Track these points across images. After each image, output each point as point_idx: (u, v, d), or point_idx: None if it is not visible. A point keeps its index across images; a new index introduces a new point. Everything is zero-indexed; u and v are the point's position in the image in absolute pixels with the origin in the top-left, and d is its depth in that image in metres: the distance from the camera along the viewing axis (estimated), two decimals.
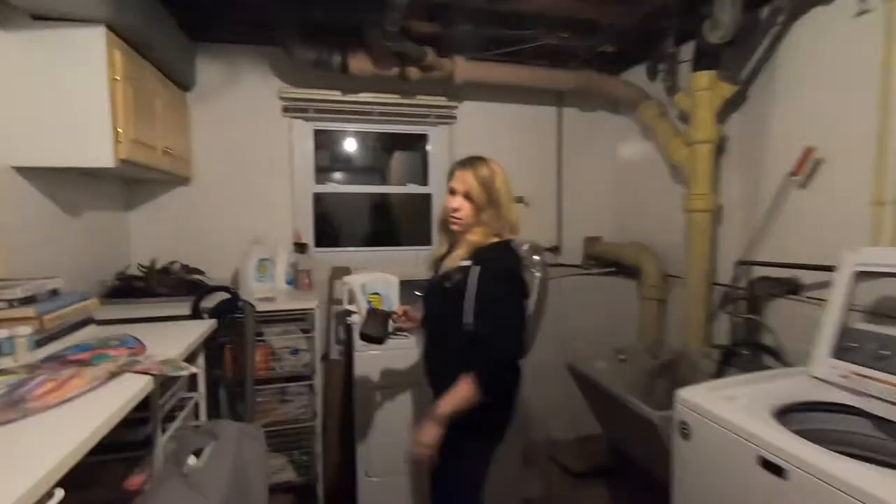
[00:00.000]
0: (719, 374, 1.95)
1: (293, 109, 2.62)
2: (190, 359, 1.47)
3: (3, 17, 1.53)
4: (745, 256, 2.08)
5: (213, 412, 1.90)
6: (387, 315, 1.60)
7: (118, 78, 1.66)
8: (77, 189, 1.97)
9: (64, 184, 1.85)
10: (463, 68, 2.44)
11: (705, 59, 2.16)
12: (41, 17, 1.57)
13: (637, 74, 2.80)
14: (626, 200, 3.07)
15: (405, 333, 1.95)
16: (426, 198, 2.96)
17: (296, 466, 2.20)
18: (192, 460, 0.99)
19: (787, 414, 1.33)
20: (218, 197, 2.55)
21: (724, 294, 2.00)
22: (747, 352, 1.89)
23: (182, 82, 2.39)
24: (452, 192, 1.46)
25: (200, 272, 2.42)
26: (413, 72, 2.40)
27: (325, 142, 2.86)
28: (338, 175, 2.98)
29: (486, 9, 2.12)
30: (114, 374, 1.11)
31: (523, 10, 2.14)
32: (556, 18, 2.28)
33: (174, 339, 1.41)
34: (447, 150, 2.91)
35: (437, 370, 1.55)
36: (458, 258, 1.44)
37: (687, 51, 2.36)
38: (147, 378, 1.09)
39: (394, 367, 2.16)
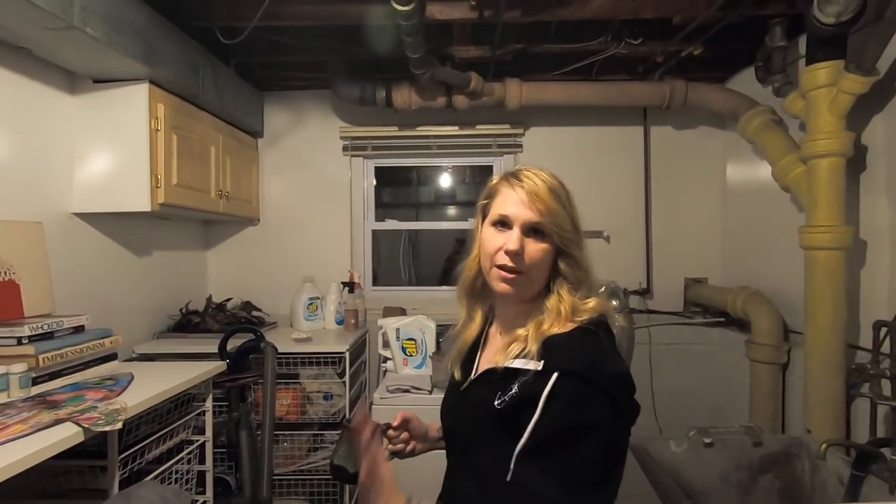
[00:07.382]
0: (853, 484, 1.35)
1: (353, 148, 2.63)
2: (186, 403, 1.46)
3: (71, 83, 1.76)
4: (892, 313, 1.46)
5: (235, 456, 1.90)
6: (381, 431, 0.95)
7: (160, 129, 1.79)
8: (150, 231, 2.18)
9: (133, 227, 2.05)
10: (514, 92, 2.20)
11: (823, 47, 1.63)
12: (101, 81, 1.77)
13: (746, 80, 2.27)
14: (739, 234, 2.47)
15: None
16: None
17: None
18: None
19: None
20: (282, 236, 2.65)
21: (857, 367, 1.40)
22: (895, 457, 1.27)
23: (251, 130, 2.56)
24: (503, 222, 0.83)
25: (258, 309, 2.50)
26: (460, 100, 2.24)
27: (386, 179, 2.82)
28: (399, 211, 2.93)
29: (528, 23, 1.89)
30: (59, 421, 1.10)
31: (572, 18, 1.85)
32: (619, 22, 1.95)
33: (174, 381, 1.40)
34: None
35: None
36: (512, 353, 0.82)
37: (804, 44, 1.82)
38: (77, 430, 1.05)
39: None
